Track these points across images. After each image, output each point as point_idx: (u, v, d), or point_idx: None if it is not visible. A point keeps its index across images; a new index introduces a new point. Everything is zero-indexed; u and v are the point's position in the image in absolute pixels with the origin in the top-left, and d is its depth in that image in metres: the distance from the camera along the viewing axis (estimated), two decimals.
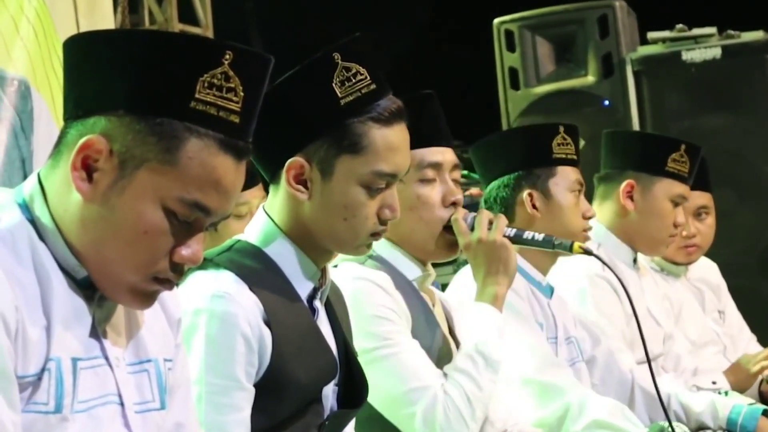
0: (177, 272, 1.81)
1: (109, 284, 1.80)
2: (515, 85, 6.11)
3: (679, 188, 3.90)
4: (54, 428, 1.74)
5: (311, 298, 2.33)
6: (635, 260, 3.93)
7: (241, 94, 1.79)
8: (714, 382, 3.89)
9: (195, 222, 1.80)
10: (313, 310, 2.33)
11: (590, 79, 6.02)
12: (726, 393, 3.71)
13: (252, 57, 1.82)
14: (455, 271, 3.49)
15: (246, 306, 2.20)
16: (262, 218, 2.36)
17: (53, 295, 1.75)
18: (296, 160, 2.30)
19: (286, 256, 2.31)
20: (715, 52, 5.89)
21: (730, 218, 5.38)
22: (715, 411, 3.40)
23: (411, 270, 2.79)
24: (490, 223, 2.83)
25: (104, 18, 4.30)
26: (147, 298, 1.84)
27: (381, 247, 2.76)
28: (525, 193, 3.33)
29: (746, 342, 4.54)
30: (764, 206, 5.85)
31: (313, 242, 2.32)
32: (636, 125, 5.89)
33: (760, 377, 4.00)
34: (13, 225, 1.77)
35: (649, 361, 2.91)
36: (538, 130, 3.56)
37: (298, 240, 2.32)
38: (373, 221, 2.33)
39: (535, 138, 3.43)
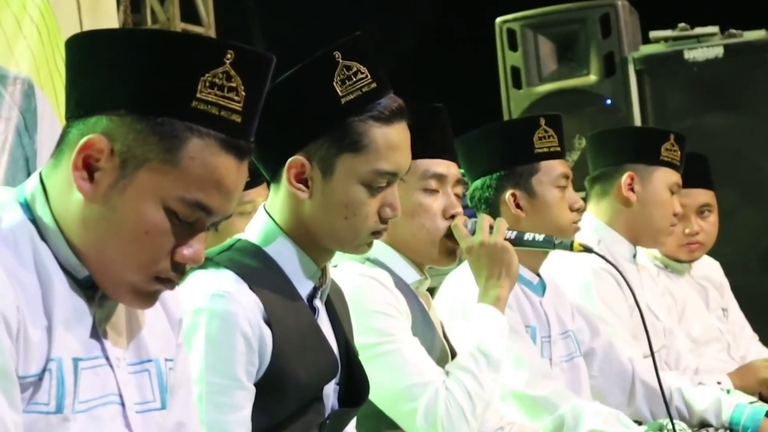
0: (178, 272, 1.81)
1: (110, 284, 1.80)
2: (517, 84, 6.11)
3: (675, 176, 3.95)
4: (55, 428, 1.74)
5: (312, 297, 2.33)
6: (635, 255, 3.94)
7: (243, 93, 1.79)
8: (719, 383, 3.89)
9: (196, 222, 1.79)
10: (314, 309, 2.33)
11: (592, 78, 6.02)
12: (728, 391, 3.71)
13: (254, 56, 1.81)
14: None
15: (246, 305, 2.20)
16: (262, 217, 2.36)
17: (54, 295, 1.75)
18: (297, 159, 2.30)
19: (286, 255, 2.31)
20: (718, 51, 5.89)
21: (732, 217, 5.38)
22: (719, 409, 3.39)
23: (408, 274, 2.80)
24: (491, 227, 2.84)
25: (107, 17, 4.30)
26: (148, 298, 1.83)
27: (379, 249, 2.77)
28: (508, 194, 3.28)
29: (748, 341, 4.55)
30: (766, 205, 5.85)
31: (314, 241, 2.32)
32: (638, 124, 5.88)
33: None
34: (14, 224, 1.77)
35: (652, 352, 2.90)
36: (518, 125, 3.51)
37: (299, 239, 2.32)
38: (373, 220, 2.33)
39: (514, 134, 3.35)
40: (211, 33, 7.38)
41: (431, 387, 2.63)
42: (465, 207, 2.90)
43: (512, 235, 2.87)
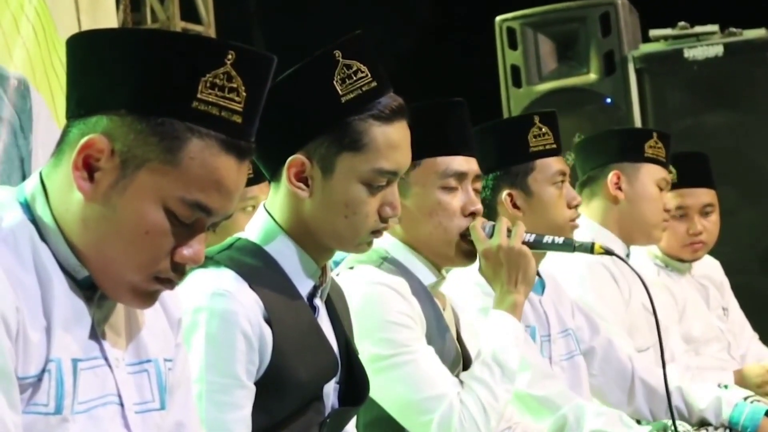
0: (178, 272, 1.81)
1: (110, 284, 1.80)
2: (517, 83, 6.11)
3: (662, 172, 3.99)
4: (54, 429, 1.74)
5: (312, 296, 2.33)
6: (628, 255, 3.95)
7: (244, 94, 1.78)
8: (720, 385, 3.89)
9: (196, 222, 1.79)
10: (314, 308, 2.33)
11: (592, 76, 6.01)
12: (726, 387, 3.71)
13: (255, 57, 1.81)
14: None
15: (246, 304, 2.20)
16: (262, 216, 2.35)
17: (53, 296, 1.75)
18: (297, 158, 2.30)
19: (286, 254, 2.31)
20: (717, 50, 5.89)
21: (732, 216, 5.38)
22: (719, 408, 3.39)
23: (426, 275, 2.79)
24: (509, 230, 2.83)
25: (106, 16, 4.29)
26: (148, 298, 1.83)
27: (397, 250, 2.77)
28: (504, 194, 3.27)
29: (748, 340, 4.55)
30: (766, 204, 5.85)
31: (314, 240, 2.32)
32: (638, 123, 5.89)
33: None
34: (15, 224, 1.77)
35: (662, 353, 2.89)
36: (512, 124, 3.49)
37: (299, 238, 2.32)
38: (374, 219, 2.32)
39: (509, 133, 3.33)
40: (211, 32, 7.38)
41: (446, 400, 2.63)
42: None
43: (531, 238, 2.84)
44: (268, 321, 2.21)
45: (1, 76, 2.88)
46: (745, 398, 3.47)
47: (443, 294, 2.88)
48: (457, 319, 2.91)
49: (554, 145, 3.30)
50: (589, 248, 2.85)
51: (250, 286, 2.22)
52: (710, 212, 4.35)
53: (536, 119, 3.30)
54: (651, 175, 3.97)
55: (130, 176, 1.75)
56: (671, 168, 4.17)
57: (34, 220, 1.78)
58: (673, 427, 3.06)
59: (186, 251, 1.79)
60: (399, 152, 2.34)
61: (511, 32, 6.10)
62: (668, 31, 6.00)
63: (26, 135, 2.88)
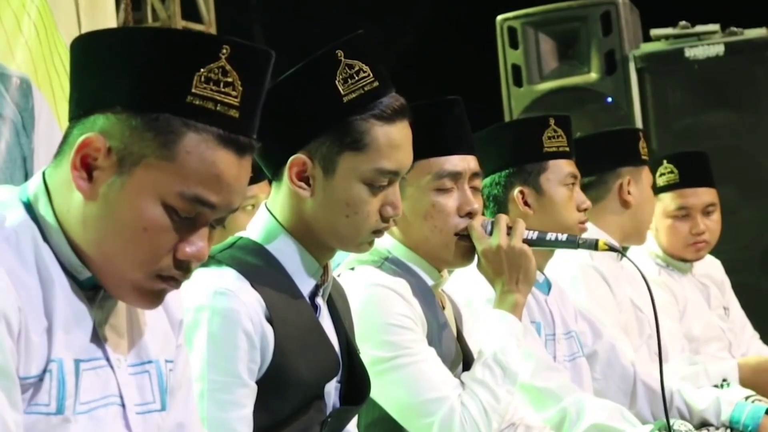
0: (182, 269, 1.79)
1: (113, 283, 1.79)
2: (518, 82, 6.11)
3: (650, 174, 4.05)
4: (55, 429, 1.74)
5: (313, 295, 2.33)
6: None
7: (240, 88, 1.77)
8: (724, 380, 3.89)
9: (198, 217, 1.78)
10: (315, 307, 2.33)
11: (593, 76, 6.01)
12: (728, 384, 3.72)
13: (251, 51, 1.80)
14: None
15: (248, 303, 2.20)
16: (264, 215, 2.35)
17: (55, 296, 1.75)
18: (299, 158, 2.30)
19: (288, 253, 2.31)
20: (718, 49, 5.89)
21: (733, 215, 5.38)
22: (719, 409, 3.39)
23: (426, 276, 2.78)
24: (509, 227, 2.82)
25: (106, 16, 4.28)
26: (154, 298, 1.82)
27: (399, 250, 2.76)
28: (516, 191, 3.30)
29: (749, 339, 4.55)
30: (767, 203, 5.85)
31: (316, 239, 2.32)
32: (639, 122, 5.89)
33: None
34: (17, 224, 1.76)
35: (660, 355, 2.89)
36: (528, 124, 3.52)
37: (301, 237, 2.32)
38: (375, 218, 2.32)
39: (524, 133, 3.37)
40: (212, 31, 7.36)
41: (447, 402, 2.62)
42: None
43: (533, 235, 2.83)
44: (269, 320, 2.21)
45: (3, 74, 2.87)
46: (746, 398, 3.47)
47: (443, 293, 2.88)
48: (458, 317, 2.90)
49: (567, 148, 3.34)
50: (594, 245, 2.83)
51: (252, 285, 2.22)
52: (712, 211, 4.36)
53: (551, 121, 3.34)
54: (648, 178, 4.02)
55: (128, 173, 1.74)
56: (672, 168, 4.21)
57: (37, 219, 1.78)
58: (676, 427, 3.05)
59: (188, 248, 1.78)
60: (400, 152, 2.34)
61: (512, 31, 6.09)
62: (669, 31, 6.00)
63: (28, 134, 2.88)
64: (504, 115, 6.08)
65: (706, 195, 4.33)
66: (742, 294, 4.70)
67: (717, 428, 3.38)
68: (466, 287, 3.08)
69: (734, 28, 5.93)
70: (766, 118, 5.88)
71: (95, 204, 1.75)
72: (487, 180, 3.32)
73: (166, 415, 1.91)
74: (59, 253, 1.77)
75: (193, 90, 1.74)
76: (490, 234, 2.79)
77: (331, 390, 2.33)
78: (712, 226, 4.34)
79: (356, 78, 2.28)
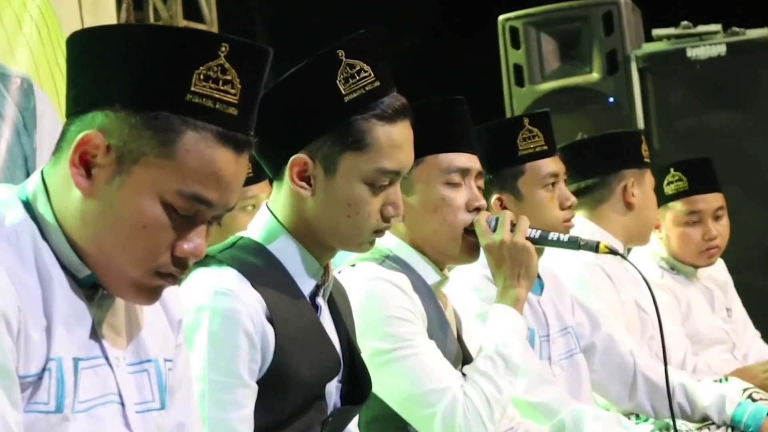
0: (180, 266, 1.80)
1: (112, 280, 1.79)
2: (520, 82, 6.11)
3: (652, 177, 4.06)
4: (55, 428, 1.74)
5: (314, 295, 2.33)
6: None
7: (239, 86, 1.77)
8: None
9: (196, 215, 1.78)
10: (316, 307, 2.33)
11: (595, 76, 6.01)
12: (726, 379, 3.72)
13: (250, 49, 1.80)
14: None
15: (249, 303, 2.20)
16: (265, 215, 2.36)
17: (54, 295, 1.75)
18: (300, 157, 2.30)
19: (289, 253, 2.31)
20: (720, 49, 5.88)
21: (735, 215, 5.35)
22: (722, 406, 3.39)
23: (429, 274, 2.78)
24: (513, 224, 2.83)
25: (108, 15, 4.29)
26: (151, 294, 1.82)
27: (400, 248, 2.77)
28: (494, 198, 3.28)
29: (750, 339, 4.55)
30: None
31: (316, 239, 2.32)
32: (640, 122, 5.89)
33: None
34: (17, 223, 1.77)
35: (665, 354, 2.89)
36: (500, 128, 3.41)
37: (301, 237, 2.32)
38: (376, 218, 2.32)
39: (497, 137, 3.31)
40: (214, 31, 7.36)
41: (449, 393, 2.63)
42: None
43: (536, 234, 2.84)
44: (270, 320, 2.21)
45: (4, 74, 2.88)
46: (744, 389, 3.48)
47: (445, 294, 2.88)
48: (458, 320, 2.91)
49: (545, 147, 3.29)
50: (594, 247, 2.84)
51: (253, 285, 2.22)
52: (721, 216, 4.38)
53: (526, 121, 3.29)
54: (651, 180, 4.03)
55: (127, 171, 1.74)
56: (680, 175, 4.22)
57: (36, 218, 1.78)
58: (674, 427, 3.05)
59: (186, 245, 1.78)
60: (402, 152, 2.34)
61: (513, 31, 6.09)
62: (671, 31, 5.99)
63: (30, 133, 2.88)
64: (506, 115, 6.08)
65: (715, 200, 4.35)
66: (744, 294, 4.70)
67: (718, 426, 3.38)
68: (457, 304, 3.07)
69: (736, 29, 5.93)
70: None
71: (94, 201, 1.75)
72: None
73: (166, 414, 1.92)
74: (58, 252, 1.77)
75: (193, 88, 1.74)
76: (494, 230, 2.80)
77: (332, 390, 2.33)
78: (722, 230, 4.36)
79: (357, 78, 2.29)
